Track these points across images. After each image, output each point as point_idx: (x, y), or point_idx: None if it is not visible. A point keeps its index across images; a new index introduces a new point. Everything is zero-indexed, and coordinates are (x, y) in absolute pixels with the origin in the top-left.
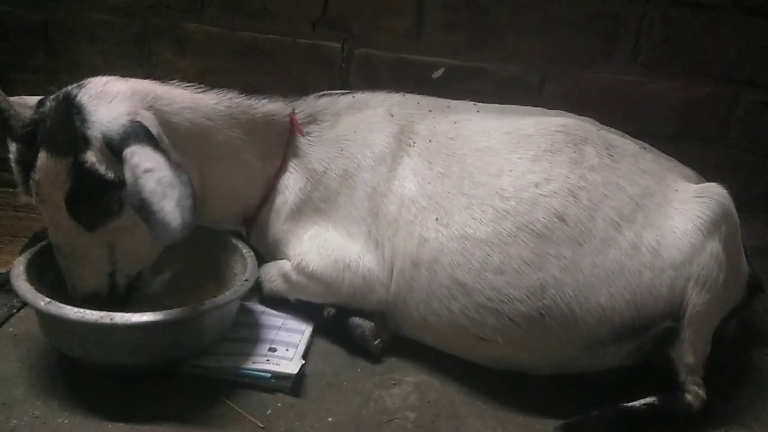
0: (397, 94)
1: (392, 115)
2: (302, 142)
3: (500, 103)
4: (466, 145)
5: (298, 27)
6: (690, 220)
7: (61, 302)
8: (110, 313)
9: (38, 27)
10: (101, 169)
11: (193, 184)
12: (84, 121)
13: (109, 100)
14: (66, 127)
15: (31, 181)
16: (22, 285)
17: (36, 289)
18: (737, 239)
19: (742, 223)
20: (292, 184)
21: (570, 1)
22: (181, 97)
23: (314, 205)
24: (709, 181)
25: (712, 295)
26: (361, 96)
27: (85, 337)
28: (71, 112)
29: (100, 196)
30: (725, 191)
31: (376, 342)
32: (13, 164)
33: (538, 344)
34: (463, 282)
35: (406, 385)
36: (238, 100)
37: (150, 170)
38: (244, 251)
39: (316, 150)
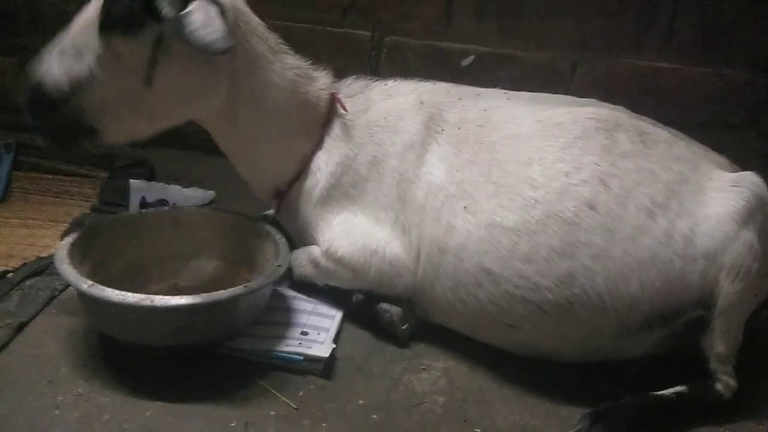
0: (428, 83)
1: (422, 103)
2: (337, 125)
3: (531, 90)
4: (495, 133)
5: (329, 15)
6: (724, 208)
7: (101, 285)
8: (150, 296)
9: (75, 14)
10: None
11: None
12: None
13: None
14: None
15: None
16: (66, 268)
17: (78, 272)
18: None
19: None
20: (323, 167)
21: None
22: (268, 45)
23: (344, 190)
24: (742, 170)
25: (744, 284)
26: (393, 83)
27: (125, 318)
28: None
29: (136, 4)
30: (761, 180)
31: (403, 327)
32: None
33: (567, 332)
34: (491, 270)
35: (434, 370)
36: (306, 71)
37: (208, 14)
38: (276, 237)
39: (349, 134)
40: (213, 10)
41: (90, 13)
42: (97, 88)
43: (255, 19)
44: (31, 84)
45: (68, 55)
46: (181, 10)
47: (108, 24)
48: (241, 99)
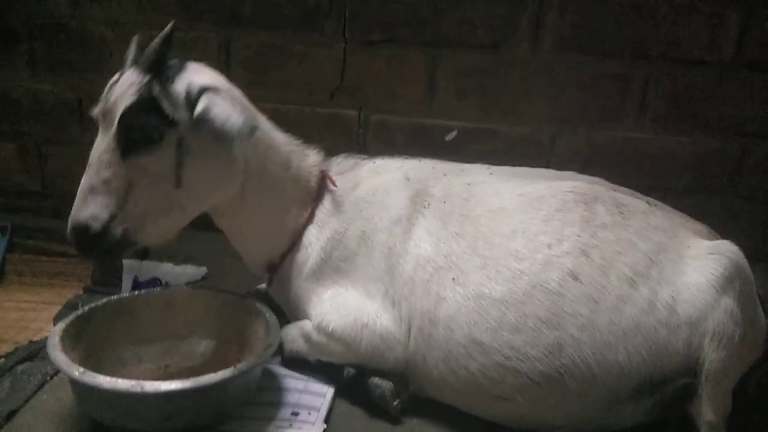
0: (414, 160)
1: (408, 179)
2: (327, 200)
3: (512, 162)
4: (480, 207)
5: (317, 97)
6: (704, 276)
7: (92, 370)
8: (140, 381)
9: (73, 103)
10: (164, 99)
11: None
12: (180, 72)
13: (210, 76)
14: (165, 57)
15: (110, 92)
16: (58, 355)
17: (70, 358)
18: (752, 295)
19: (757, 274)
20: (315, 241)
21: (575, 65)
22: (262, 119)
23: (334, 264)
24: (723, 233)
25: (728, 351)
26: (381, 161)
27: (117, 404)
28: (177, 63)
29: (149, 120)
30: (737, 248)
31: (395, 402)
32: (108, 86)
33: (558, 403)
34: (481, 341)
35: None
36: (299, 148)
37: (224, 101)
38: (267, 315)
39: (339, 210)
40: (223, 98)
41: (105, 146)
42: (134, 205)
43: (246, 98)
44: (72, 227)
45: (98, 191)
46: (190, 109)
47: (130, 149)
48: (249, 175)
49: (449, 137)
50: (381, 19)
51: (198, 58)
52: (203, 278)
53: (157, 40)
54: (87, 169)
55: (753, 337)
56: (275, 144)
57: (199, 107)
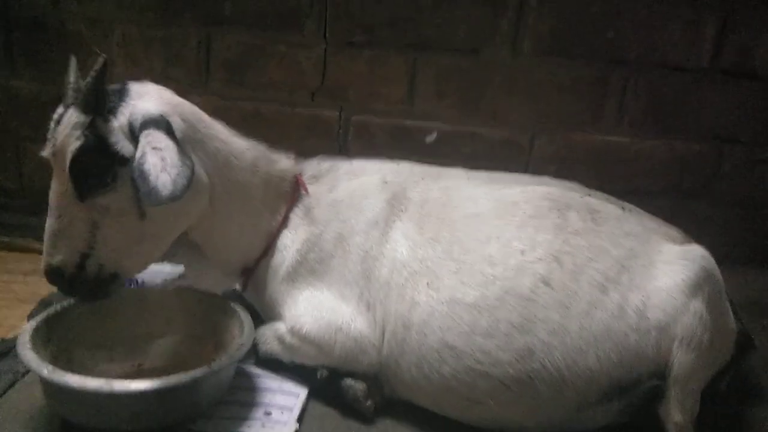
0: (392, 162)
1: (386, 182)
2: (302, 203)
3: (492, 164)
4: (456, 211)
5: (298, 97)
6: (674, 281)
7: (64, 368)
8: (109, 381)
9: (52, 100)
10: (111, 138)
11: (194, 170)
12: (121, 100)
13: (154, 98)
14: (103, 95)
15: (56, 134)
16: (27, 354)
17: (40, 357)
18: (722, 299)
19: (732, 276)
20: (290, 244)
21: (555, 67)
22: (218, 128)
23: (310, 266)
24: (697, 237)
25: (697, 354)
26: (358, 163)
27: (86, 403)
28: (118, 89)
29: (98, 162)
30: (707, 253)
31: (368, 403)
32: (51, 123)
33: (529, 406)
34: (453, 345)
35: None
36: (264, 152)
37: (158, 149)
38: (241, 315)
39: (315, 212)
40: (162, 140)
41: (60, 192)
42: (103, 242)
43: (198, 110)
44: (47, 273)
45: (64, 234)
46: (136, 141)
47: (86, 191)
48: (214, 187)
49: (429, 139)
50: (362, 20)
51: (177, 56)
52: (180, 277)
53: (89, 80)
54: (49, 212)
55: (721, 340)
56: (236, 151)
57: (137, 155)
